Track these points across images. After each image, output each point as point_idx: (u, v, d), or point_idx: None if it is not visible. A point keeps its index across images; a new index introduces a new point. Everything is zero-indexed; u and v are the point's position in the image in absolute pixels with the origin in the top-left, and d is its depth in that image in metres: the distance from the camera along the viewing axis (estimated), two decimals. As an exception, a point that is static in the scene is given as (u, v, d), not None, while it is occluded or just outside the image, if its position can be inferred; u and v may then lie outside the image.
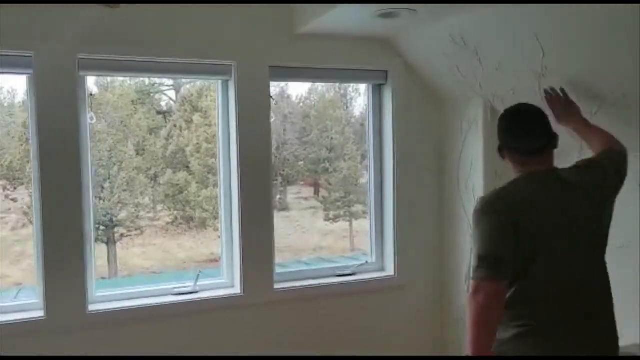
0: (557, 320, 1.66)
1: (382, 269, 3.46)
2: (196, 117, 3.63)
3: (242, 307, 2.98)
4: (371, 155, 3.45)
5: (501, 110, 3.02)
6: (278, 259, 3.26)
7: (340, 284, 3.26)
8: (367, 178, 3.48)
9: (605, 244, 1.80)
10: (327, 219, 3.49)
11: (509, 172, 3.10)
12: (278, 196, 3.31)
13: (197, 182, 3.44)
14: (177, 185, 3.40)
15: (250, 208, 2.96)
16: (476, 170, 3.15)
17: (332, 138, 3.36)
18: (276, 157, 3.28)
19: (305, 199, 3.51)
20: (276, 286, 3.10)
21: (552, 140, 1.84)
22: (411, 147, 3.33)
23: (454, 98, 3.27)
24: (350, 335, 3.24)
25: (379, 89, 3.42)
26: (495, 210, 1.71)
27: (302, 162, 3.39)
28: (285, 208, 3.43)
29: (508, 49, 2.62)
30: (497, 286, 1.60)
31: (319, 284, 3.21)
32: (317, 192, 3.51)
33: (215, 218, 3.13)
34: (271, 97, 3.09)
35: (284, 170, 3.30)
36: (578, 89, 2.49)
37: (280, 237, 3.17)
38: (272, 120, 3.10)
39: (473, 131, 3.16)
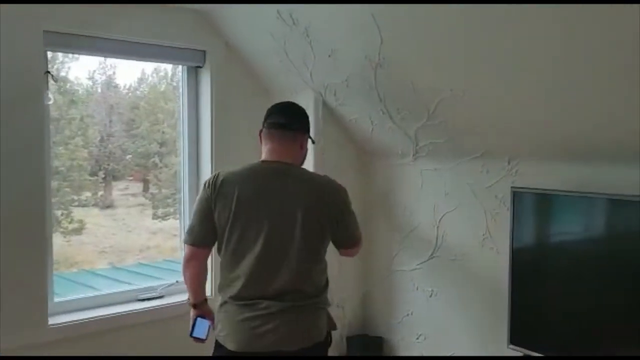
0: (239, 296, 1.77)
1: (197, 289, 2.90)
2: None
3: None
4: (185, 151, 2.87)
5: (333, 104, 2.72)
6: (96, 264, 2.84)
7: (144, 311, 2.62)
8: (180, 177, 2.89)
9: (313, 257, 1.79)
10: (155, 216, 3.23)
11: (340, 173, 2.78)
12: (101, 192, 3.02)
13: None
14: None
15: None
16: (306, 172, 2.74)
17: (163, 132, 3.12)
18: (100, 150, 2.98)
19: (133, 195, 3.22)
20: (52, 321, 2.37)
21: (298, 125, 1.89)
22: (233, 143, 2.82)
23: (281, 89, 2.83)
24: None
25: (195, 73, 2.86)
26: (205, 187, 1.85)
27: (130, 156, 3.10)
28: (110, 205, 3.13)
29: (342, 32, 2.24)
30: (189, 248, 1.88)
31: (113, 314, 2.54)
32: (146, 188, 3.26)
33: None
34: (48, 72, 2.36)
35: (109, 164, 3.01)
36: (417, 82, 2.20)
37: (103, 238, 2.96)
38: (50, 102, 2.36)
39: (303, 128, 2.75)
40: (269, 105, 2.95)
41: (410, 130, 2.46)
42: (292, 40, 2.45)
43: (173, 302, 2.72)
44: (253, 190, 1.78)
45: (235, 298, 1.77)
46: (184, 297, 2.76)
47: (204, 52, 2.77)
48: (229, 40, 2.75)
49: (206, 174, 2.81)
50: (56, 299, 2.49)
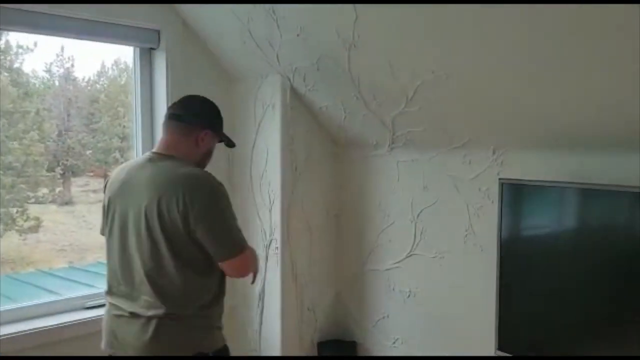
0: (112, 291, 1.74)
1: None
2: None
3: None
4: (139, 142, 2.61)
5: (302, 90, 2.49)
6: (54, 263, 2.71)
7: (91, 321, 2.34)
8: None
9: (184, 258, 1.63)
10: None
11: (310, 165, 2.56)
12: (59, 188, 2.91)
13: None
14: None
15: None
16: (272, 165, 2.51)
17: (124, 126, 3.00)
18: (58, 144, 2.85)
19: (94, 191, 3.08)
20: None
21: (196, 119, 1.74)
22: (191, 133, 2.56)
23: (245, 74, 2.59)
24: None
25: (149, 55, 2.59)
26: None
27: (90, 152, 3.00)
28: (68, 202, 3.02)
29: (312, 8, 2.01)
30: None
31: (57, 324, 2.26)
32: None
33: None
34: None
35: (67, 160, 2.89)
36: (396, 64, 2.00)
37: (62, 235, 2.84)
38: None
39: (269, 116, 2.52)
40: (232, 92, 2.75)
41: (387, 117, 2.26)
42: (256, 18, 2.21)
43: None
44: (119, 183, 1.72)
45: (107, 293, 1.76)
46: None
47: (158, 31, 2.51)
48: (186, 18, 2.49)
49: None
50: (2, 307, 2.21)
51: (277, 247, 2.52)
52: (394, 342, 2.48)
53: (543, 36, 1.56)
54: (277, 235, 2.51)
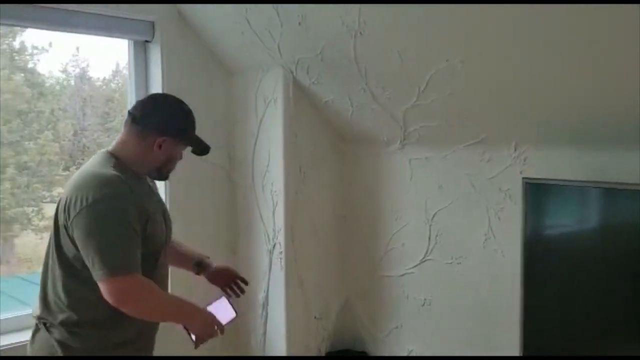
0: None
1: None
2: None
3: None
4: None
5: (306, 83, 2.32)
6: None
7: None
8: None
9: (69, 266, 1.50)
10: None
11: (315, 165, 2.38)
12: None
13: None
14: None
15: None
16: (275, 163, 2.34)
17: None
18: (74, 144, 2.90)
19: None
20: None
21: (152, 124, 1.56)
22: (189, 131, 2.40)
23: (245, 67, 2.42)
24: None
25: (143, 48, 2.43)
26: None
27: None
28: None
29: (314, -8, 1.84)
30: None
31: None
32: None
33: None
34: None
35: (83, 159, 2.83)
36: (406, 52, 1.82)
37: None
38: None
39: (271, 112, 2.35)
40: (232, 86, 2.58)
41: (397, 112, 2.08)
42: (254, 7, 2.05)
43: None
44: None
45: None
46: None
47: (153, 23, 2.35)
48: (182, 9, 2.33)
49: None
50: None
51: (281, 252, 2.35)
52: (408, 353, 2.30)
53: (571, 21, 1.36)
54: (281, 238, 2.35)
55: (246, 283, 1.95)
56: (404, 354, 2.32)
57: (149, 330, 1.61)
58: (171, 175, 2.36)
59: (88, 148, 2.95)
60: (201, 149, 1.66)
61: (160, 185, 2.38)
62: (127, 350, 1.54)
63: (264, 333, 2.46)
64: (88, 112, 2.94)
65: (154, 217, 1.53)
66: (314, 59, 2.11)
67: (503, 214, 1.93)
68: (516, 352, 1.78)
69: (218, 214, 2.55)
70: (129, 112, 1.58)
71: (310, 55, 2.10)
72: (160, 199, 1.70)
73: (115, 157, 1.54)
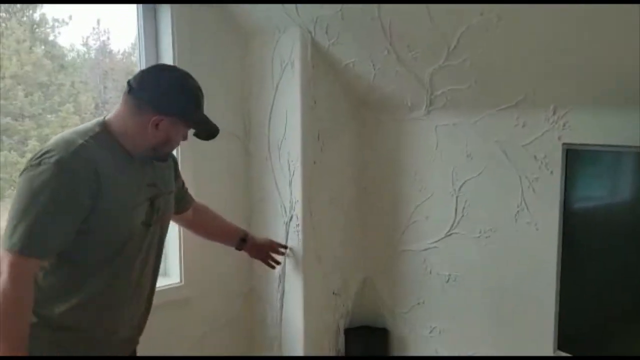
0: None
1: (163, 274, 2.42)
2: None
3: None
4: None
5: (325, 44, 2.16)
6: None
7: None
8: None
9: None
10: None
11: (335, 132, 2.25)
12: None
13: None
14: None
15: None
16: (292, 131, 2.21)
17: None
18: (95, 117, 2.58)
19: None
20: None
21: (148, 96, 1.40)
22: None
23: (261, 27, 2.28)
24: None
25: (153, 13, 2.30)
26: None
27: None
28: None
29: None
30: None
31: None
32: None
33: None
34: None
35: None
36: (435, 6, 1.66)
37: None
38: None
39: (288, 75, 2.21)
40: (247, 49, 2.44)
41: (424, 74, 1.93)
42: (270, -41, 1.90)
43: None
44: None
45: None
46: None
47: (161, -18, 2.22)
48: (193, -35, 2.19)
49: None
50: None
51: (298, 225, 2.24)
52: (431, 331, 2.19)
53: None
54: (298, 211, 2.23)
55: (286, 248, 2.07)
56: (426, 331, 2.20)
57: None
58: (182, 144, 2.26)
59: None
60: (207, 133, 1.50)
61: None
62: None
63: (281, 307, 2.36)
64: (109, 85, 2.93)
65: (124, 203, 1.41)
66: (333, 17, 1.96)
67: (538, 184, 1.79)
68: (550, 334, 1.65)
69: (232, 185, 2.44)
70: (128, 82, 1.43)
71: (329, 13, 1.95)
72: (157, 183, 1.55)
73: (105, 127, 1.40)
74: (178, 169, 1.79)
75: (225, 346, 2.48)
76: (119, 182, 1.41)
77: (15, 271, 1.29)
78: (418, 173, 2.17)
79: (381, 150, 2.31)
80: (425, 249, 2.17)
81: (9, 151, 2.57)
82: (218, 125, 1.57)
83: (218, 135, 2.36)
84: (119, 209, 1.41)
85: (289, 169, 2.25)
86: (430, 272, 2.17)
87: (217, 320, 2.45)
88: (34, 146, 2.64)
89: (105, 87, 2.90)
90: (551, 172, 1.73)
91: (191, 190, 2.20)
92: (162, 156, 1.50)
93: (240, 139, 2.43)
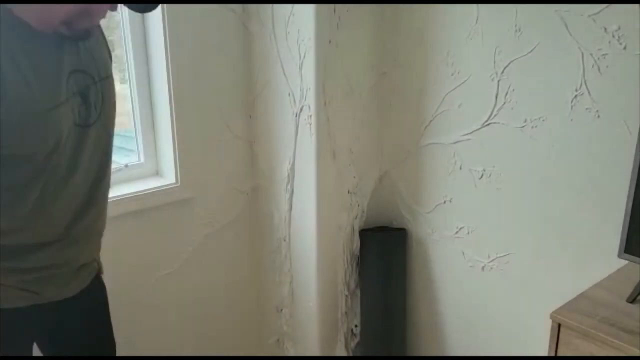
0: None
1: (156, 174, 2.16)
2: None
3: None
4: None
5: None
6: None
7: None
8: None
9: None
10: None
11: (356, 7, 1.92)
12: None
13: None
14: None
15: None
16: (303, 5, 1.85)
17: None
18: None
19: None
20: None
21: None
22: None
23: None
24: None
25: None
26: None
27: None
28: None
29: None
30: None
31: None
32: None
33: None
34: None
35: None
36: None
37: None
38: None
39: None
40: None
41: None
42: None
43: (123, 194, 1.97)
44: None
45: None
46: (139, 186, 2.03)
47: None
48: None
49: (154, 28, 1.92)
50: None
51: (310, 116, 1.95)
52: (457, 232, 2.00)
53: None
54: (311, 100, 1.93)
55: None
56: (452, 232, 2.01)
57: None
58: (168, 25, 1.89)
59: None
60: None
61: (155, 38, 1.93)
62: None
63: (289, 209, 2.14)
64: None
65: (33, 103, 1.02)
66: None
67: (605, 61, 1.50)
68: (612, 236, 1.46)
69: (230, 72, 2.11)
70: None
71: None
72: (87, 69, 1.15)
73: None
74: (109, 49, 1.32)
75: (228, 248, 2.29)
76: (22, 73, 1.00)
77: None
78: (451, 54, 1.86)
79: (407, 25, 1.97)
80: (456, 142, 1.92)
81: None
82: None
83: (210, 12, 1.98)
84: (25, 113, 1.01)
85: (299, 50, 1.91)
86: (461, 168, 1.93)
87: (218, 222, 2.23)
88: None
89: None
90: (624, 47, 1.44)
91: (181, 82, 1.90)
92: (80, 34, 1.07)
93: (237, 16, 2.06)
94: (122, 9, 1.94)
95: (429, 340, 2.20)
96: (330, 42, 1.89)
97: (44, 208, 1.14)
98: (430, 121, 1.98)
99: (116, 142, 2.26)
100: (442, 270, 2.08)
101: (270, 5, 1.96)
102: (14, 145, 1.02)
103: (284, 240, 2.21)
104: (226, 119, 2.14)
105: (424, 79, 1.96)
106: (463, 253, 1.99)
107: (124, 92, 2.06)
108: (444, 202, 2.02)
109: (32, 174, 1.09)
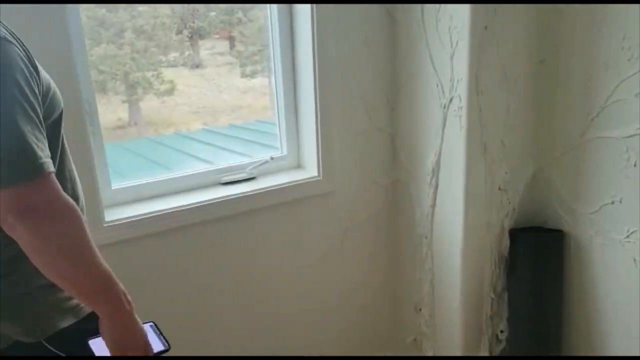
0: None
1: (298, 166, 2.17)
2: None
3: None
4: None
5: None
6: (191, 125, 2.52)
7: (230, 200, 1.92)
8: (269, 30, 2.05)
9: None
10: (244, 75, 3.03)
11: (505, 20, 1.76)
12: (188, 52, 2.89)
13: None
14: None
15: None
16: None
17: None
18: (183, 7, 2.82)
19: (221, 54, 3.04)
20: (108, 217, 1.73)
21: None
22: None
23: None
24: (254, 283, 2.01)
25: None
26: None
27: (214, 13, 2.91)
28: (198, 65, 2.99)
29: None
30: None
31: (187, 205, 1.85)
32: (232, 46, 3.06)
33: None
34: None
35: (194, 22, 2.84)
36: None
37: (196, 98, 2.90)
38: None
39: None
40: None
41: None
42: None
43: (268, 187, 1.99)
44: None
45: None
46: (282, 178, 2.05)
47: None
48: None
49: (302, 22, 1.92)
50: (114, 185, 1.84)
51: (460, 107, 1.84)
52: (628, 236, 1.79)
53: None
54: (462, 90, 1.82)
55: None
56: (621, 235, 1.80)
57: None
58: (316, 15, 1.87)
59: (197, 10, 2.84)
60: None
61: (302, 30, 1.92)
62: None
63: (433, 205, 2.05)
64: None
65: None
66: None
67: None
68: None
69: (374, 63, 2.06)
70: None
71: None
72: None
73: None
74: None
75: (367, 243, 2.25)
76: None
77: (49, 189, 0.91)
78: (627, 35, 1.65)
79: (572, 9, 1.79)
80: (630, 136, 1.71)
81: (107, 44, 2.49)
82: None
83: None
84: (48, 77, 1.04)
85: (451, 38, 1.81)
86: (635, 165, 1.72)
87: (357, 216, 2.20)
88: (130, 38, 2.61)
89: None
90: None
91: (323, 70, 1.88)
92: None
93: (382, 3, 2.00)
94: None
95: (586, 351, 2.01)
96: (486, 28, 1.76)
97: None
98: (599, 113, 1.78)
99: (261, 139, 2.33)
100: (608, 277, 1.87)
101: (418, -8, 1.88)
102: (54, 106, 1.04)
103: (425, 237, 2.12)
104: (368, 110, 2.10)
105: (592, 65, 1.77)
106: (634, 260, 1.78)
107: (269, 84, 2.09)
108: (612, 202, 1.81)
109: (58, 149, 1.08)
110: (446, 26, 1.81)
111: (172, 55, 2.79)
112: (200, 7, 2.86)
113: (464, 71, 1.79)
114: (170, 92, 2.78)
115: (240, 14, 2.87)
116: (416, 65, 1.97)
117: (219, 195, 1.91)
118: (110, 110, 2.85)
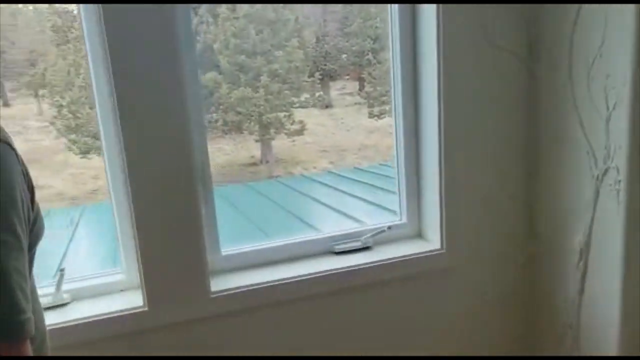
0: None
1: (419, 236, 1.96)
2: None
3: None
4: (396, 42, 1.83)
5: None
6: (318, 163, 2.79)
7: (343, 272, 1.76)
8: (392, 73, 1.91)
9: None
10: (371, 115, 3.28)
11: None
12: (319, 93, 3.13)
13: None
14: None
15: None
16: (615, 38, 1.48)
17: (376, 27, 2.96)
18: (316, 50, 3.07)
19: (350, 94, 3.30)
20: (215, 287, 1.65)
21: None
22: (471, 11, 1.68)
23: None
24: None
25: None
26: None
27: (345, 55, 3.16)
28: (328, 105, 3.24)
29: None
30: None
31: (297, 277, 1.72)
32: (361, 87, 3.32)
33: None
34: None
35: (325, 65, 3.08)
36: None
37: (324, 137, 3.07)
38: None
39: (612, -44, 1.45)
40: None
41: None
42: None
43: (385, 259, 1.81)
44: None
45: None
46: (401, 249, 1.86)
47: None
48: None
49: (424, 67, 1.75)
50: (224, 251, 1.77)
51: (619, 181, 1.54)
52: None
53: None
54: (621, 160, 1.53)
55: None
56: None
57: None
58: (443, 66, 1.68)
59: (329, 53, 3.02)
60: None
61: (427, 82, 1.75)
62: None
63: (581, 291, 1.73)
64: (328, 18, 2.95)
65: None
66: None
67: None
68: None
69: (508, 122, 1.83)
70: None
71: None
72: None
73: None
74: None
75: (494, 328, 1.97)
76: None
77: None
78: None
79: None
80: None
81: (245, 87, 2.62)
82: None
83: (489, 54, 1.75)
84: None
85: (606, 101, 1.53)
86: None
87: (485, 295, 1.94)
88: (265, 82, 2.70)
89: (324, 20, 2.92)
90: None
91: (452, 133, 1.69)
92: None
93: (520, 59, 1.77)
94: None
95: None
96: (653, 87, 1.47)
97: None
98: None
99: (384, 185, 2.26)
100: None
101: (566, 43, 1.63)
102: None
103: (570, 327, 1.80)
104: (501, 175, 1.85)
105: None
106: None
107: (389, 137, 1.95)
108: None
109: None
110: (601, 85, 1.54)
111: (304, 97, 2.96)
112: (332, 50, 3.06)
113: (623, 138, 1.50)
114: (300, 132, 2.96)
115: (370, 56, 3.09)
116: (561, 129, 1.70)
117: (333, 267, 1.76)
118: (244, 148, 3.14)
